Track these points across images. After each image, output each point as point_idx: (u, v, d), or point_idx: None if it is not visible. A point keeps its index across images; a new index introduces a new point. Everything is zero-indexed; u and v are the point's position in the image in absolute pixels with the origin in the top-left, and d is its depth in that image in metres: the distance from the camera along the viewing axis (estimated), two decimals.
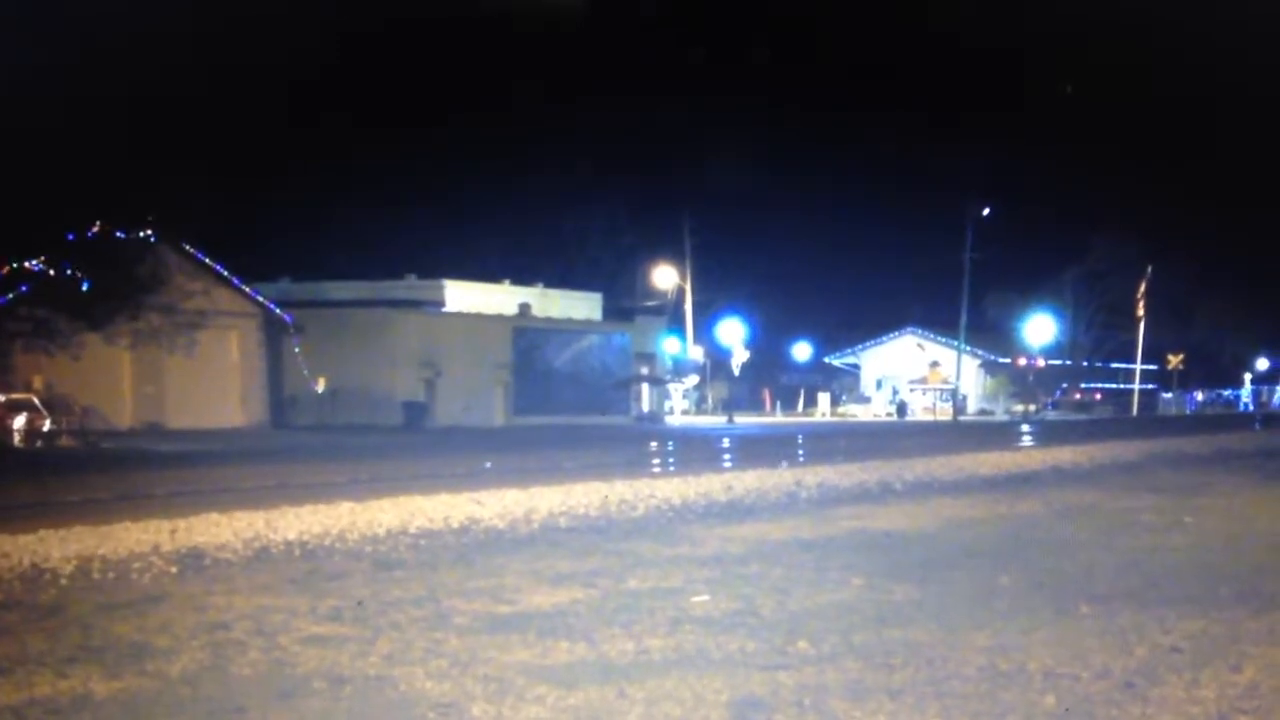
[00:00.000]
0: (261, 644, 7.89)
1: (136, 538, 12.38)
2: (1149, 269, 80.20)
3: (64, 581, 10.30)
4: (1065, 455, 26.89)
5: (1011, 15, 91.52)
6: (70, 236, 31.83)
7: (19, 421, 33.36)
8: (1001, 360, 79.76)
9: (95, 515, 14.37)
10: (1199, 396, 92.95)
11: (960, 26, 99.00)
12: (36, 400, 34.49)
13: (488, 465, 25.04)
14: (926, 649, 7.73)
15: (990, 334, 79.61)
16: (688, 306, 69.16)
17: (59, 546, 11.81)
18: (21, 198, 29.00)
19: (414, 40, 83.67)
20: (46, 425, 33.78)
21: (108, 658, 7.56)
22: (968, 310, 70.44)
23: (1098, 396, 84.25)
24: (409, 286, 54.21)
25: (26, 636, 8.17)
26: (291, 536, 12.71)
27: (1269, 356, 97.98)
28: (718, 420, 63.35)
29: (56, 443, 33.31)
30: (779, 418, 70.12)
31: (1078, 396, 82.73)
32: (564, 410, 54.17)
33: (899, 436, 41.62)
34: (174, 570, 10.83)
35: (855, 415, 73.83)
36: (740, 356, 73.65)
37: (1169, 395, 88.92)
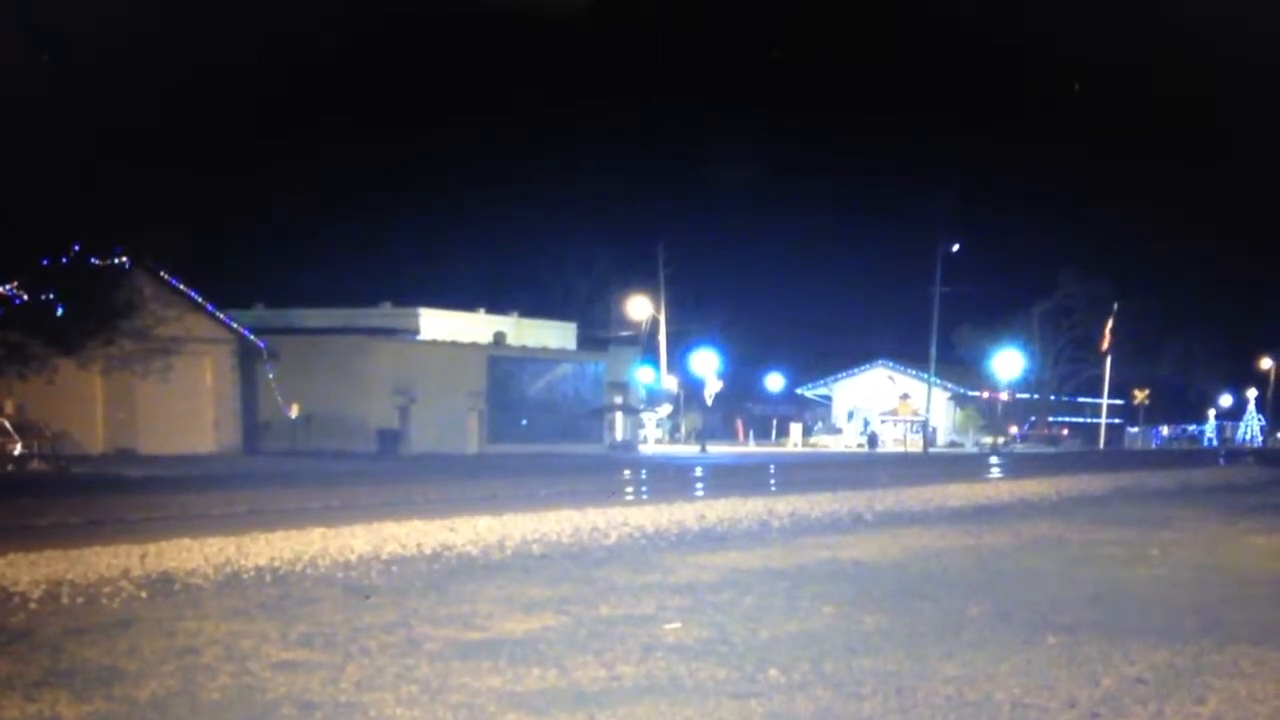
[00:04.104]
0: (231, 669, 7.89)
1: (107, 562, 12.31)
2: (1115, 305, 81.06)
3: (33, 605, 10.25)
4: (1033, 488, 27.06)
5: (985, 45, 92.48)
6: (45, 262, 31.69)
7: None
8: (971, 393, 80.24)
9: (65, 539, 14.27)
10: (1164, 431, 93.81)
11: (929, 59, 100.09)
12: (8, 424, 34.21)
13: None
14: (895, 678, 7.80)
15: (960, 367, 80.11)
16: (661, 337, 69.23)
17: (28, 570, 11.73)
18: None
19: (386, 65, 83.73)
20: (18, 449, 33.50)
21: (76, 682, 7.53)
22: (938, 344, 70.91)
23: (1065, 431, 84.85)
24: (384, 314, 54.13)
25: None
26: (263, 562, 12.67)
27: (1233, 393, 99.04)
28: (691, 450, 63.37)
29: (27, 467, 33.02)
30: (752, 448, 70.21)
31: (1045, 430, 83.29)
32: (538, 439, 54.11)
33: (870, 467, 41.75)
34: (144, 595, 10.78)
35: (827, 446, 73.99)
36: (713, 387, 73.76)
37: (1135, 430, 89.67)
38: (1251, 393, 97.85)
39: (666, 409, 73.07)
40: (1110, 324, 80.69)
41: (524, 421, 55.08)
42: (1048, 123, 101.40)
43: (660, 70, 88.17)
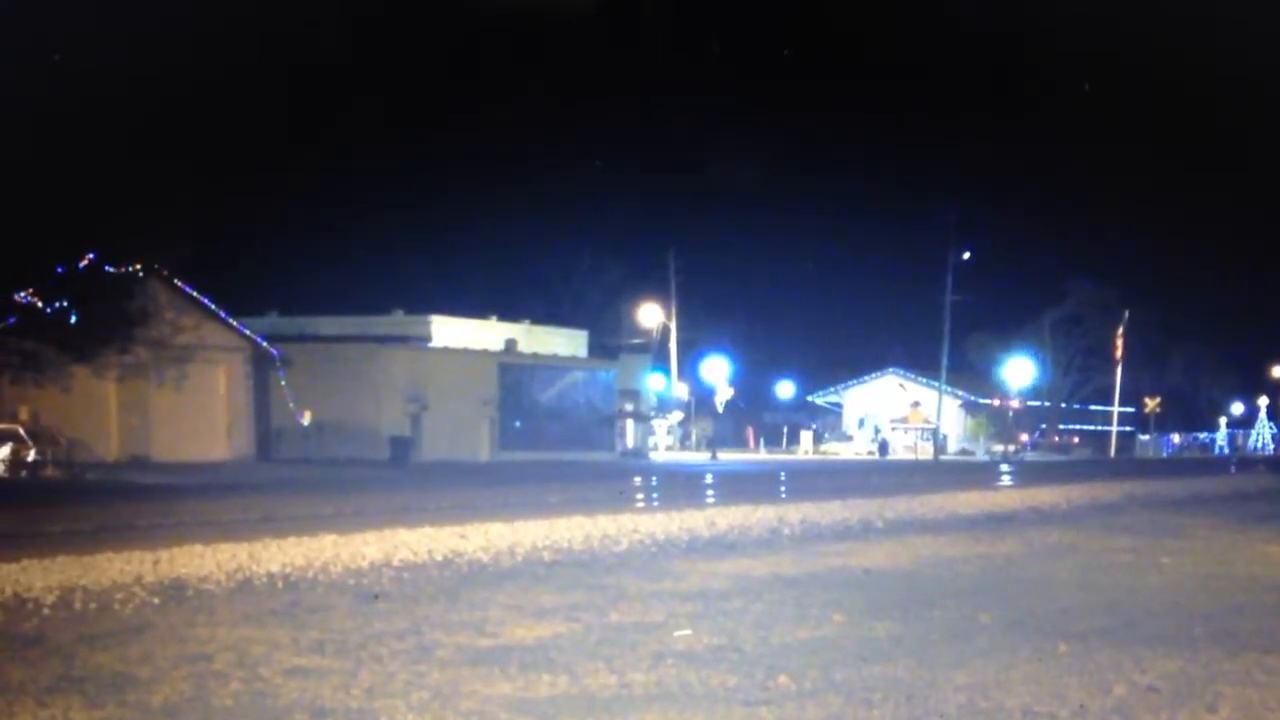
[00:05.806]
0: (243, 675, 7.91)
1: (119, 568, 12.37)
2: (1126, 314, 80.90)
3: (46, 611, 10.30)
4: (1044, 496, 26.99)
5: (991, 49, 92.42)
6: (59, 270, 31.84)
7: (4, 451, 33.30)
8: (982, 401, 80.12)
9: (78, 546, 14.35)
10: (1175, 439, 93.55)
11: (935, 62, 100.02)
12: (22, 431, 34.39)
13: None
14: (906, 686, 7.79)
15: (971, 375, 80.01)
16: (672, 344, 69.30)
17: (42, 576, 11.79)
18: (10, 230, 29.02)
19: (387, 68, 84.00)
20: (32, 456, 33.68)
21: (89, 688, 7.56)
22: (949, 352, 70.87)
23: (1075, 439, 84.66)
24: (396, 321, 54.24)
25: (7, 666, 8.17)
26: (275, 568, 12.71)
27: (1244, 401, 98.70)
28: (702, 457, 63.39)
29: (41, 473, 33.20)
30: (762, 455, 70.17)
31: (1056, 438, 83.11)
32: (549, 446, 54.16)
33: (880, 475, 41.67)
34: (156, 601, 10.82)
35: (838, 453, 73.93)
36: (724, 394, 73.85)
37: (1146, 438, 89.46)
38: (1263, 401, 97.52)
39: (677, 416, 73.15)
40: (1121, 332, 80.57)
41: (534, 428, 55.13)
42: (1048, 124, 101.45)
43: (661, 70, 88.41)
